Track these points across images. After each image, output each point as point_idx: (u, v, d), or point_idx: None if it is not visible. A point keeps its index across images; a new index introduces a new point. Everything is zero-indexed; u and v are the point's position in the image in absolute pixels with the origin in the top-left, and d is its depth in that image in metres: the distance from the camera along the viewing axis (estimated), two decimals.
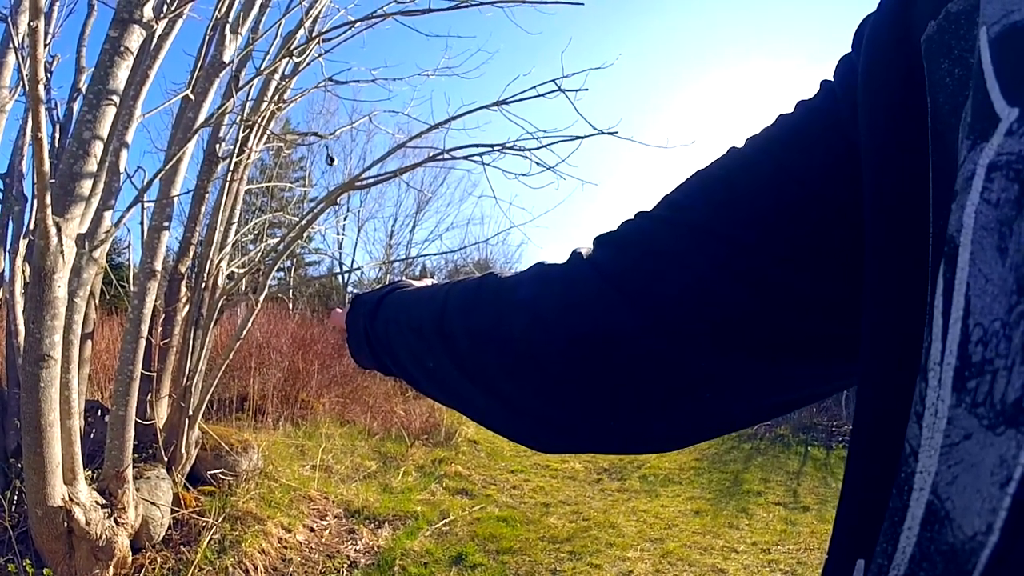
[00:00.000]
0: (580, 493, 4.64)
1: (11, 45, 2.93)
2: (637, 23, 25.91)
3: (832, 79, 0.33)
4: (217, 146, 3.27)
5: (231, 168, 3.14)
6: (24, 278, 2.70)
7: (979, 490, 0.16)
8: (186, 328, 3.26)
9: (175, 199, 3.03)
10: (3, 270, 2.99)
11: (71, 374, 2.19)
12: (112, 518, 2.36)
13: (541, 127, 3.22)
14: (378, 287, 0.63)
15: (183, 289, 3.36)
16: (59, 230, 1.84)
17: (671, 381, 0.35)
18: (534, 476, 5.04)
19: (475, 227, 18.51)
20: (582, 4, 2.89)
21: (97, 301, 3.21)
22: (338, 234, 16.17)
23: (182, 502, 3.01)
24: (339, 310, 0.66)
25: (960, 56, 0.22)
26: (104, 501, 2.38)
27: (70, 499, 2.14)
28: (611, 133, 3.11)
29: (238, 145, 3.11)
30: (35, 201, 1.89)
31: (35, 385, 1.93)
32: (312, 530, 3.41)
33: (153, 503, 2.73)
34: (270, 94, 3.35)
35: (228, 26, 2.86)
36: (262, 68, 3.16)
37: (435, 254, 17.00)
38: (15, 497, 2.46)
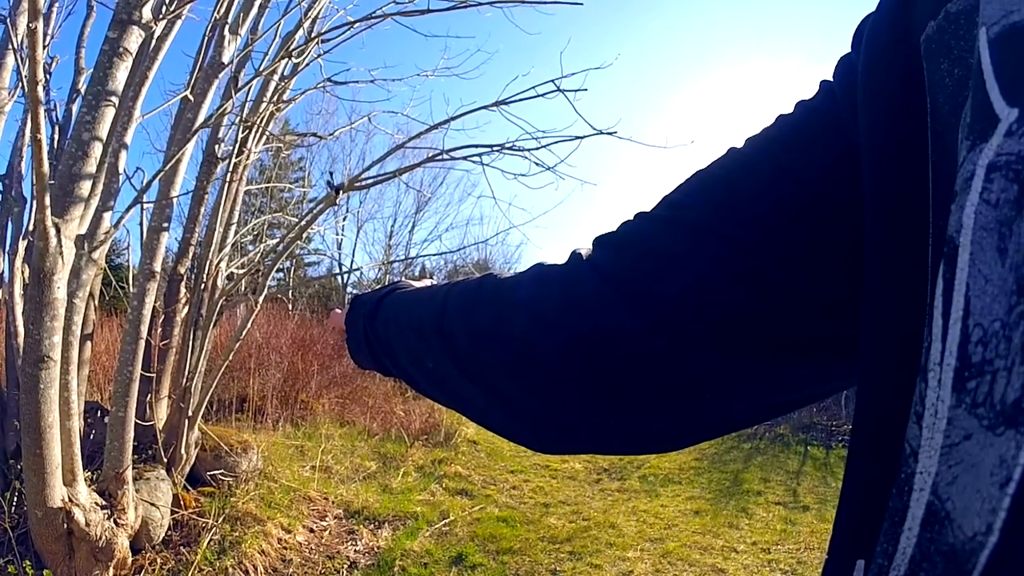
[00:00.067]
0: (580, 493, 4.64)
1: (10, 46, 2.93)
2: (636, 23, 25.95)
3: (832, 79, 0.33)
4: (216, 147, 3.27)
5: (230, 169, 3.14)
6: (23, 279, 2.70)
7: (979, 490, 0.16)
8: (185, 329, 3.26)
9: (174, 200, 3.02)
10: (2, 271, 2.99)
11: (70, 375, 2.19)
12: (112, 519, 2.36)
13: (540, 127, 3.22)
14: (377, 288, 0.63)
15: (182, 290, 3.36)
16: (58, 231, 1.84)
17: (671, 381, 0.35)
18: (534, 476, 5.04)
19: (474, 227, 18.52)
20: (581, 4, 2.90)
21: (96, 302, 3.21)
22: (337, 235, 16.17)
23: (182, 503, 3.01)
24: (338, 311, 0.66)
25: (960, 56, 0.22)
26: (104, 502, 2.38)
27: (70, 500, 2.14)
28: (610, 133, 3.11)
29: (237, 146, 3.11)
30: (34, 202, 1.89)
31: (34, 386, 1.93)
32: (312, 531, 3.41)
33: (153, 504, 2.73)
34: (269, 95, 3.35)
35: (227, 27, 2.86)
36: (261, 69, 3.16)
37: (434, 254, 17.01)
38: (15, 498, 2.45)
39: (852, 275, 0.28)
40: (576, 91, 2.99)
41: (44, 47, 3.23)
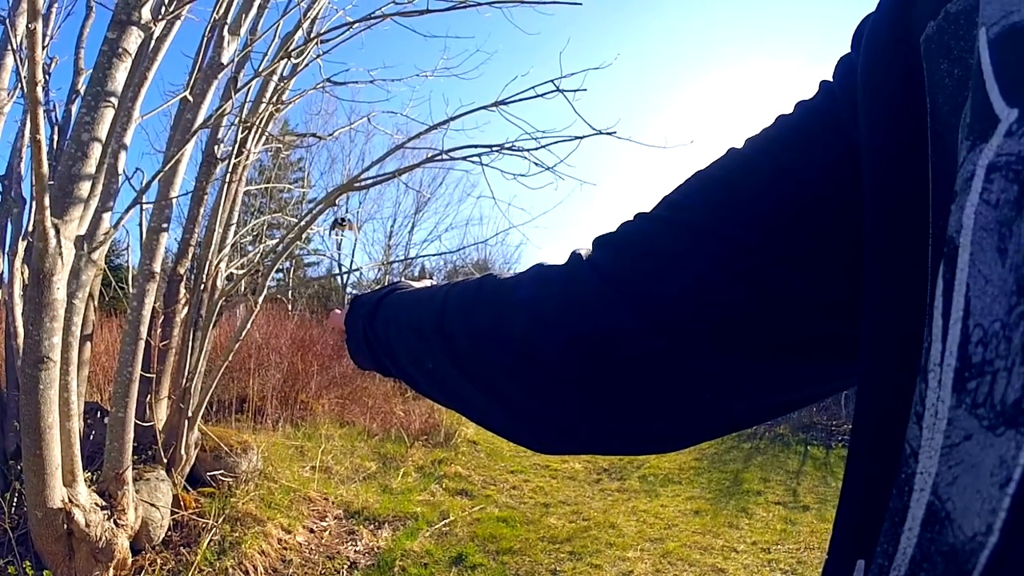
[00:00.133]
0: (580, 493, 4.64)
1: (9, 47, 2.92)
2: (636, 23, 25.93)
3: (831, 79, 0.33)
4: (216, 147, 3.27)
5: (230, 169, 3.14)
6: (23, 280, 2.70)
7: (979, 491, 0.16)
8: (185, 329, 3.26)
9: (174, 201, 3.02)
10: (2, 272, 2.99)
11: (70, 376, 2.19)
12: (112, 520, 2.36)
13: (540, 127, 3.22)
14: (377, 288, 0.63)
15: (182, 290, 3.36)
16: (58, 232, 1.84)
17: (671, 381, 0.35)
18: (534, 476, 5.04)
19: (474, 228, 18.45)
20: (580, 4, 2.90)
21: (96, 303, 3.21)
22: (337, 235, 16.17)
23: (182, 503, 3.01)
24: (338, 311, 0.66)
25: (959, 56, 0.22)
26: (104, 503, 2.38)
27: (70, 501, 2.14)
28: (609, 133, 3.11)
29: (236, 146, 3.11)
30: (34, 203, 1.89)
31: (34, 387, 1.92)
32: (312, 531, 3.41)
33: (153, 504, 2.73)
34: (268, 95, 3.35)
35: (226, 27, 2.86)
36: (260, 69, 3.16)
37: (434, 255, 16.99)
38: (15, 499, 2.45)
39: (852, 275, 0.28)
40: (575, 91, 2.99)
41: (43, 48, 3.23)
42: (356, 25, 3.07)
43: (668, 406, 0.37)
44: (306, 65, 3.35)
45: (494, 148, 3.12)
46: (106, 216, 2.34)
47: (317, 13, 3.27)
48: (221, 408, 5.04)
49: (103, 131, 2.00)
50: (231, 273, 3.56)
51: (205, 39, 2.83)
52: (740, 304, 0.32)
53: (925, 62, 0.24)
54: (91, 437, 3.03)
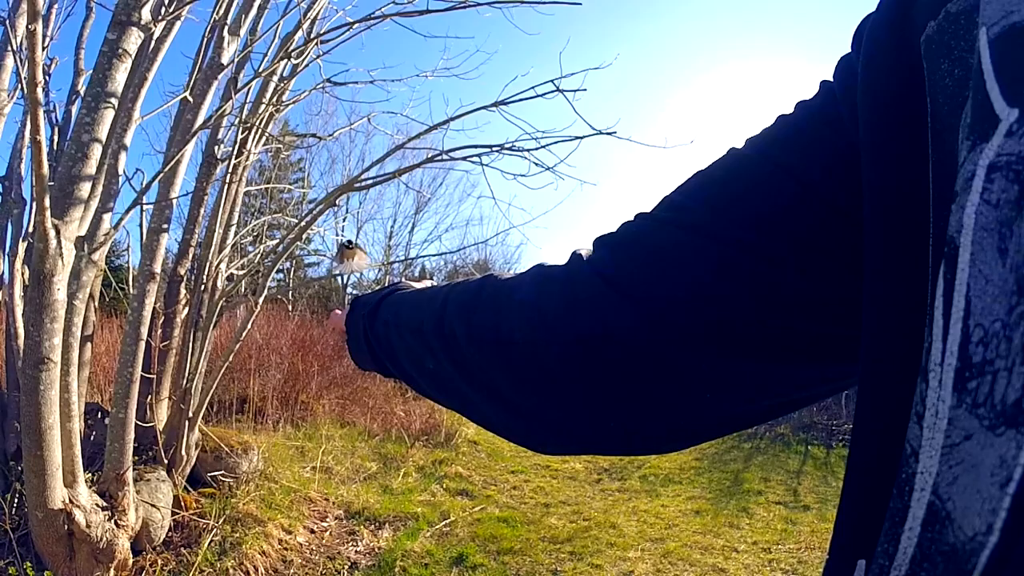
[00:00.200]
0: (580, 493, 4.64)
1: (9, 48, 2.93)
2: (636, 23, 25.93)
3: (832, 79, 0.33)
4: (216, 148, 3.27)
5: (230, 170, 3.14)
6: (23, 281, 2.70)
7: (979, 490, 0.17)
8: (186, 330, 3.26)
9: (174, 201, 3.03)
10: (2, 273, 2.99)
11: (71, 377, 2.19)
12: (112, 520, 2.36)
13: (540, 127, 3.21)
14: (378, 288, 0.63)
15: (182, 291, 3.36)
16: (58, 233, 1.84)
17: (671, 382, 0.35)
18: (534, 476, 5.04)
19: (474, 228, 18.46)
20: (580, 4, 2.90)
21: (96, 304, 3.20)
22: (337, 235, 16.17)
23: (182, 504, 3.01)
24: (339, 311, 0.66)
25: (960, 56, 0.22)
26: (104, 503, 2.38)
27: (70, 502, 2.14)
28: (609, 133, 3.11)
29: (237, 147, 3.11)
30: (34, 204, 1.89)
31: (35, 388, 1.92)
32: (313, 531, 3.41)
33: (153, 505, 2.73)
34: (268, 96, 3.35)
35: (226, 28, 2.86)
36: (260, 70, 3.16)
37: (434, 255, 17.00)
38: (15, 500, 2.45)
39: (852, 275, 0.28)
40: (575, 91, 2.99)
41: (43, 49, 3.23)
42: (356, 25, 3.07)
43: (668, 406, 0.37)
44: (306, 66, 3.35)
45: (494, 148, 3.12)
46: (106, 217, 2.34)
47: (317, 13, 3.27)
48: (222, 409, 5.04)
49: (103, 132, 2.01)
50: (231, 274, 3.56)
51: (205, 40, 2.83)
52: (741, 304, 0.32)
53: (925, 62, 0.24)
54: (92, 438, 3.03)
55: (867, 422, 0.25)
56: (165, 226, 2.92)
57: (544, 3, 3.03)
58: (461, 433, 5.85)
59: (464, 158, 3.21)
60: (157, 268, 2.80)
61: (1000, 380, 0.16)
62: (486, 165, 3.16)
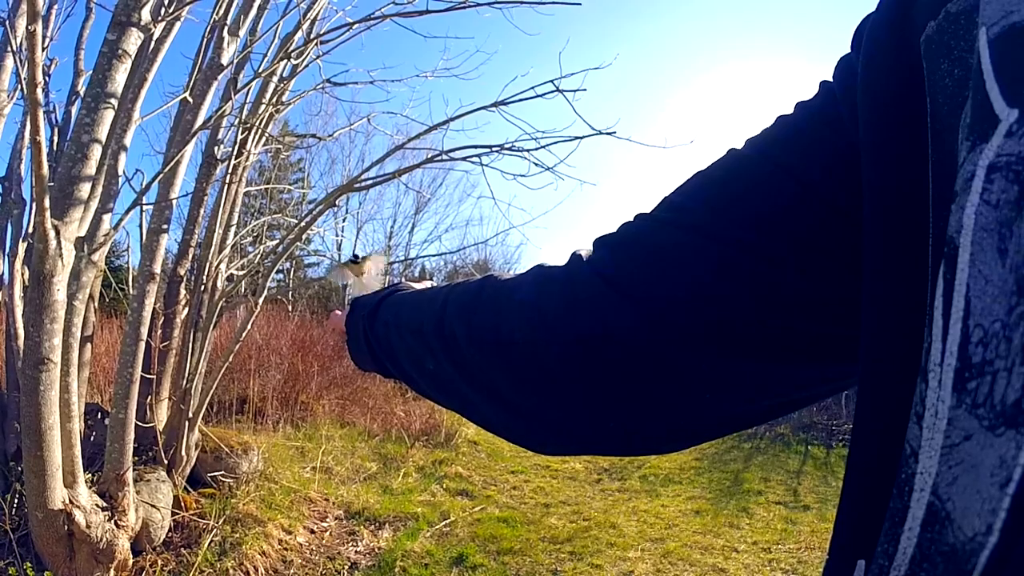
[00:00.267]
0: (580, 493, 4.64)
1: (9, 48, 2.93)
2: (635, 23, 25.93)
3: (831, 80, 0.32)
4: (215, 148, 3.27)
5: (230, 170, 3.14)
6: (23, 281, 2.70)
7: (979, 491, 0.17)
8: (185, 330, 3.26)
9: (174, 202, 3.02)
10: (2, 273, 2.99)
11: (71, 377, 2.19)
12: (112, 521, 2.36)
13: (539, 128, 3.22)
14: (378, 289, 0.63)
15: (182, 291, 3.36)
16: (58, 233, 1.84)
17: (671, 382, 0.35)
18: (534, 477, 5.04)
19: (474, 228, 18.47)
20: (579, 4, 2.90)
21: (96, 304, 3.20)
22: (337, 236, 16.16)
23: (182, 504, 3.01)
24: (339, 312, 0.66)
25: (960, 56, 0.22)
26: (104, 504, 2.38)
27: (70, 502, 2.14)
28: (609, 133, 3.11)
29: (236, 147, 3.11)
30: (34, 204, 1.89)
31: (35, 388, 1.92)
32: (313, 532, 3.41)
33: (153, 506, 2.73)
34: (268, 96, 3.36)
35: (226, 28, 2.86)
36: (260, 70, 3.16)
37: (434, 255, 17.00)
38: (15, 500, 2.45)
39: (852, 275, 0.28)
40: (575, 91, 2.99)
41: (43, 49, 3.23)
42: (356, 26, 3.07)
43: (668, 406, 0.37)
44: (306, 66, 3.36)
45: (494, 148, 3.12)
46: (106, 217, 2.34)
47: (317, 14, 3.27)
48: (222, 409, 5.04)
49: (103, 132, 2.01)
50: (231, 274, 3.56)
51: (205, 40, 2.83)
52: (740, 304, 0.32)
53: (925, 62, 0.24)
54: (92, 438, 3.03)
55: (867, 422, 0.25)
56: (165, 226, 2.92)
57: (544, 3, 3.03)
58: (461, 433, 5.85)
59: (464, 158, 3.21)
60: (157, 268, 2.80)
61: (1000, 380, 0.16)
62: (486, 165, 3.16)
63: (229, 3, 2.80)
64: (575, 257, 0.41)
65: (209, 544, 2.83)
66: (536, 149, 3.12)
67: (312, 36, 3.11)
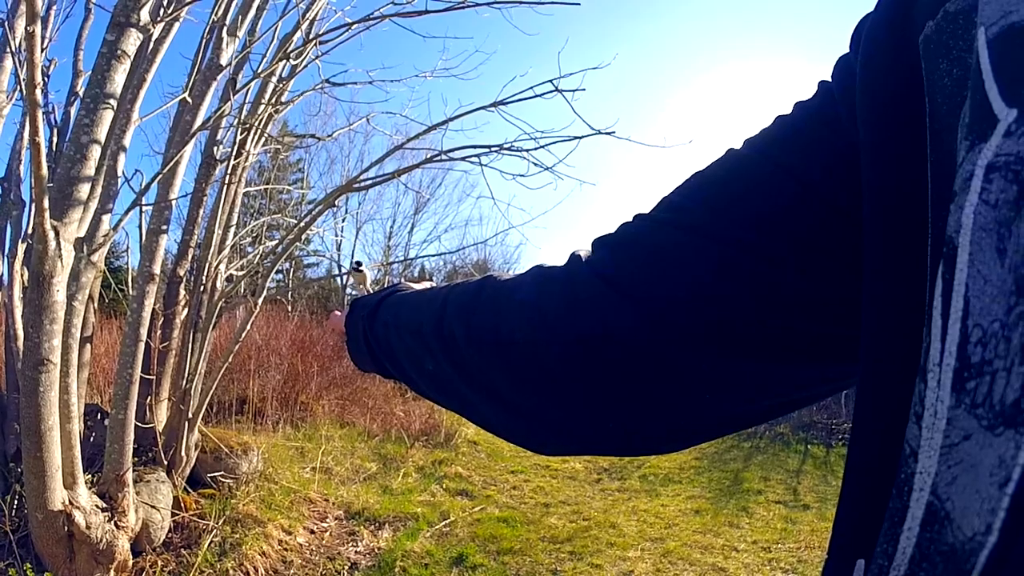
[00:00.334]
0: (580, 493, 4.64)
1: (8, 49, 2.92)
2: (635, 23, 25.91)
3: (830, 80, 0.33)
4: (215, 149, 3.27)
5: (229, 171, 3.14)
6: (23, 282, 2.70)
7: (978, 491, 0.17)
8: (185, 331, 3.26)
9: (173, 202, 3.02)
10: (1, 274, 2.99)
11: (70, 378, 2.19)
12: (112, 522, 2.36)
13: (539, 128, 3.22)
14: (377, 289, 0.63)
15: (182, 292, 3.36)
16: (57, 234, 1.84)
17: (671, 382, 0.35)
18: (534, 476, 5.04)
19: (473, 228, 18.45)
20: (578, 4, 2.90)
21: (96, 305, 3.20)
22: (336, 236, 16.15)
23: (182, 505, 3.01)
24: (338, 312, 0.66)
25: (958, 56, 0.22)
26: (104, 505, 2.38)
27: (70, 503, 2.14)
28: (608, 133, 3.11)
29: (236, 148, 3.11)
30: (33, 205, 1.89)
31: (34, 389, 1.92)
32: (312, 532, 3.41)
33: (153, 506, 2.73)
34: (267, 96, 3.35)
35: (225, 29, 2.86)
36: (259, 71, 3.16)
37: (434, 255, 16.97)
38: (15, 501, 2.45)
39: (852, 275, 0.28)
40: (574, 91, 2.99)
41: (42, 50, 3.22)
42: (355, 26, 3.07)
43: (668, 406, 0.37)
44: (305, 66, 3.36)
45: (493, 148, 3.12)
46: (105, 218, 2.34)
47: (316, 14, 3.27)
48: (221, 409, 5.04)
49: (102, 133, 2.00)
50: (231, 274, 3.56)
51: (204, 41, 2.83)
52: (740, 304, 0.32)
53: (924, 62, 0.24)
54: (91, 439, 3.03)
55: (866, 422, 0.25)
56: (164, 227, 2.92)
57: (543, 3, 3.03)
58: (461, 433, 5.85)
59: (463, 158, 3.21)
60: (156, 269, 2.80)
61: (999, 380, 0.16)
62: (485, 165, 3.17)
63: (228, 3, 2.80)
64: (574, 257, 0.41)
65: (209, 545, 2.83)
66: (535, 149, 3.13)
67: (311, 36, 3.11)
